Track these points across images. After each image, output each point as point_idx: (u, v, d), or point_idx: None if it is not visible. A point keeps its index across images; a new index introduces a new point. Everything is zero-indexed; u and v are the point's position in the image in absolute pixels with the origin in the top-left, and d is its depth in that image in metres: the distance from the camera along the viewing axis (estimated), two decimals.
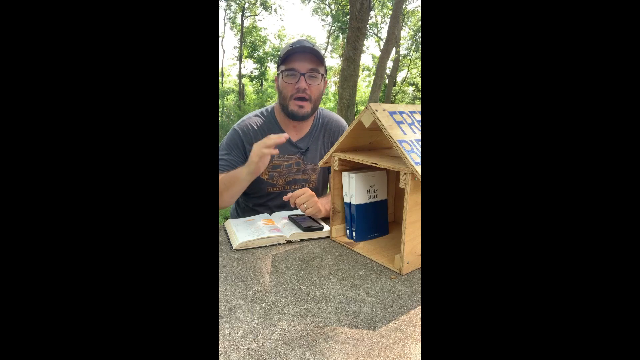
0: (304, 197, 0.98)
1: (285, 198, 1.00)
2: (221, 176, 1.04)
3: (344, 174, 0.89)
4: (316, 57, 1.10)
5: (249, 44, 15.67)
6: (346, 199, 0.90)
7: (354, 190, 0.87)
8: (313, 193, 1.00)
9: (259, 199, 1.21)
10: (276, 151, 0.94)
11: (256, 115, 1.20)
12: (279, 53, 1.19)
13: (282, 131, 1.19)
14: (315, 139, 1.23)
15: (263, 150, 0.93)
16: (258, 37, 16.18)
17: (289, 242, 0.90)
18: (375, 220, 0.91)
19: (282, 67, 1.11)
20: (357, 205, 0.88)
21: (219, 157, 1.14)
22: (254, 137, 1.14)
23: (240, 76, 15.31)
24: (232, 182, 1.00)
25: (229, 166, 1.11)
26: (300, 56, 1.09)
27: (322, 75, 1.13)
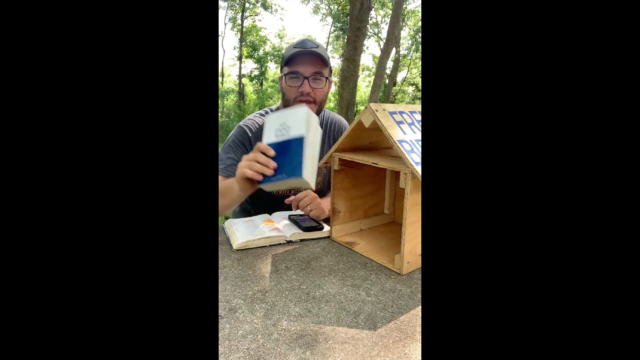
0: (307, 200, 0.98)
1: (287, 201, 1.00)
2: (220, 182, 0.94)
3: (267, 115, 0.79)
4: (320, 60, 1.07)
5: (249, 43, 15.67)
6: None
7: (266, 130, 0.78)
8: (316, 195, 0.99)
9: (263, 204, 1.19)
10: (258, 177, 0.75)
11: (261, 115, 1.18)
12: (283, 53, 1.15)
13: None
14: (322, 141, 1.21)
15: (244, 170, 0.76)
16: (258, 37, 16.18)
17: (289, 242, 0.90)
18: (279, 161, 0.75)
19: (286, 69, 1.08)
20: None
21: (221, 156, 1.09)
22: (254, 138, 1.13)
23: (240, 76, 15.31)
24: (225, 193, 0.88)
25: (231, 166, 1.06)
26: (304, 59, 1.06)
27: (327, 78, 1.11)
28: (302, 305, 0.63)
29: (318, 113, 1.14)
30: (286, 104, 1.12)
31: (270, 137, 0.76)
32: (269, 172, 0.73)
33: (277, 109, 1.20)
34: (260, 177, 0.74)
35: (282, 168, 0.74)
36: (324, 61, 1.07)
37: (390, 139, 0.73)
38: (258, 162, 0.74)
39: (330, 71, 1.14)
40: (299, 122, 0.74)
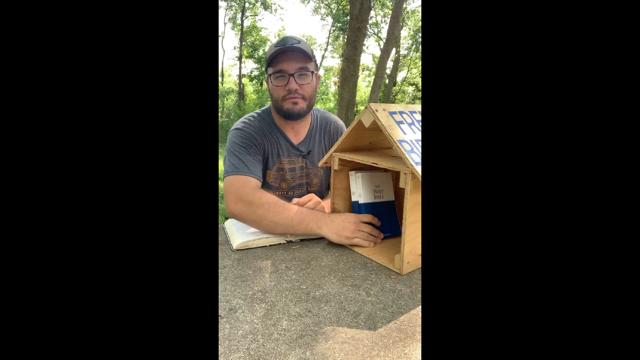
0: (310, 204, 0.97)
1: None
2: (288, 207, 0.90)
3: (351, 173, 0.90)
4: (303, 55, 1.05)
5: (249, 44, 15.68)
6: (354, 198, 0.90)
7: (361, 189, 0.88)
8: (319, 199, 1.00)
9: None
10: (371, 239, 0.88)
11: (253, 117, 1.17)
12: (266, 54, 1.13)
13: (281, 132, 1.15)
14: (316, 141, 1.21)
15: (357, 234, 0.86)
16: (258, 37, 16.19)
17: (289, 242, 0.90)
18: (384, 221, 0.91)
19: (270, 70, 1.08)
20: (364, 204, 0.89)
21: (240, 158, 1.04)
22: (259, 138, 1.12)
23: (240, 76, 15.31)
24: (301, 228, 0.89)
25: (257, 167, 1.05)
26: (286, 56, 1.04)
27: (313, 72, 1.09)
28: (302, 305, 0.63)
29: (309, 109, 1.13)
30: (275, 104, 1.11)
31: (370, 196, 0.91)
32: (378, 241, 0.89)
33: (269, 110, 1.18)
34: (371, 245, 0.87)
35: (385, 227, 0.91)
36: (307, 56, 1.06)
37: (390, 139, 0.73)
38: (372, 235, 0.87)
39: (316, 65, 1.13)
40: (389, 186, 0.95)
